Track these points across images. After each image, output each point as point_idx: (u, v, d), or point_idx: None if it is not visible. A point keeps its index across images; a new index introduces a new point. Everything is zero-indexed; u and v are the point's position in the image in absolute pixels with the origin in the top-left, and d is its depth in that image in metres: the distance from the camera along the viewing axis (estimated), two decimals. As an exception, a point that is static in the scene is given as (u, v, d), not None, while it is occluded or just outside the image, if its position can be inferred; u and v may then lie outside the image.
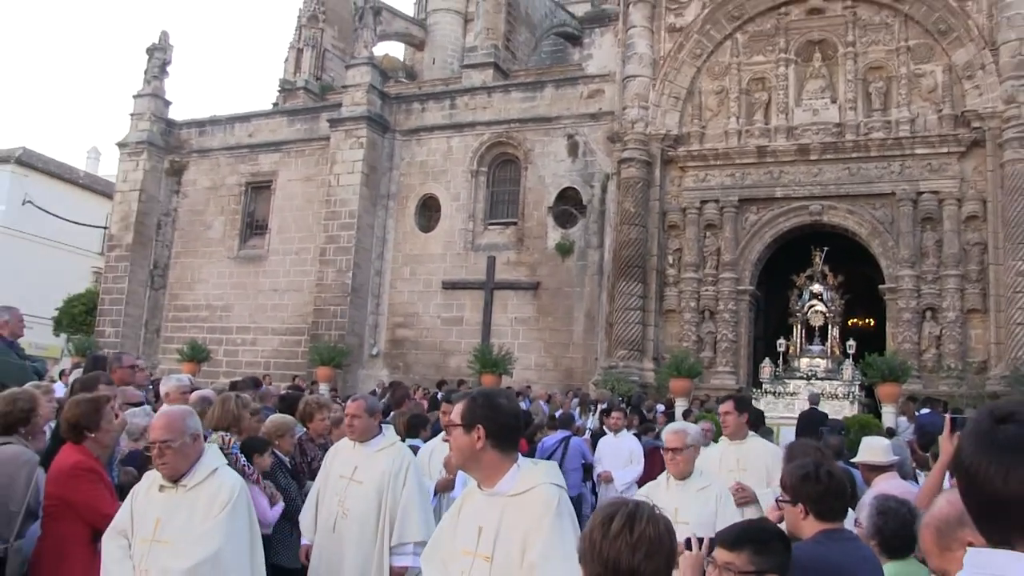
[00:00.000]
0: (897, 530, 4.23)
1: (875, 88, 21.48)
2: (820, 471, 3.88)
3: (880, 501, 4.41)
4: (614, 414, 12.28)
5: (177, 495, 4.60)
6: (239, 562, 4.56)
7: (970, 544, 2.02)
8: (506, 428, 3.59)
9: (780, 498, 4.09)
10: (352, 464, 6.15)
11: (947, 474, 5.10)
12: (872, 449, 6.33)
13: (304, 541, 6.34)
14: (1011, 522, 1.64)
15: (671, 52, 23.04)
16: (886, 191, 20.96)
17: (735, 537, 3.19)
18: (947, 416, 5.18)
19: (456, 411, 3.60)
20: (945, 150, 20.56)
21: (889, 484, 5.81)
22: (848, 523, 4.32)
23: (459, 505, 3.75)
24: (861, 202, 21.28)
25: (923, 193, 20.56)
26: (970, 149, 20.37)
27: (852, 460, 6.73)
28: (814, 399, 16.47)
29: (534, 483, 3.47)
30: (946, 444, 4.93)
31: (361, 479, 6.04)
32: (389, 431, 6.51)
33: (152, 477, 4.75)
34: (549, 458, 11.64)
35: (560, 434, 11.95)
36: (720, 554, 3.13)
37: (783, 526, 3.93)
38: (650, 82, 22.91)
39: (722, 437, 7.63)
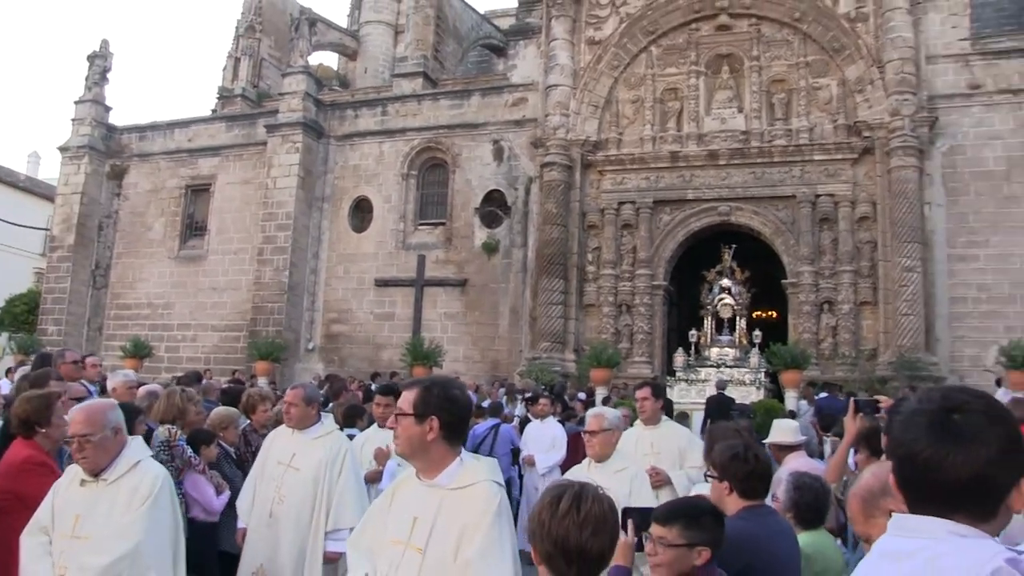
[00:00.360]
0: (811, 503, 4.47)
1: (777, 99, 22.32)
2: (748, 453, 4.04)
3: (796, 477, 4.59)
4: (541, 401, 12.53)
5: (98, 489, 4.41)
6: (160, 556, 4.38)
7: (891, 512, 2.19)
8: (460, 420, 3.46)
9: (708, 473, 4.27)
10: (290, 451, 6.08)
11: (851, 450, 5.59)
12: (782, 430, 6.66)
13: (240, 525, 6.25)
14: (953, 503, 1.75)
15: (590, 63, 23.71)
16: (788, 194, 21.77)
17: (667, 513, 3.36)
18: (851, 400, 5.71)
19: (408, 400, 3.38)
20: (840, 157, 21.49)
21: (798, 462, 6.03)
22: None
23: (392, 493, 3.58)
24: (765, 204, 22.07)
25: (820, 196, 21.42)
26: (861, 156, 21.30)
27: (762, 441, 6.63)
28: (721, 385, 17.11)
29: (476, 479, 3.31)
30: (850, 424, 5.40)
31: (298, 466, 5.99)
32: (328, 420, 6.48)
33: (73, 472, 4.54)
34: (480, 444, 11.90)
35: (490, 422, 12.20)
36: (655, 529, 3.29)
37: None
38: (571, 91, 23.54)
39: (637, 422, 7.63)
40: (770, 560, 3.73)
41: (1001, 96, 21.00)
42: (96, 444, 4.37)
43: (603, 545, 2.58)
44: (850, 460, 5.74)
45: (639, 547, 3.34)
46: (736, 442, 4.24)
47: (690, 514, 3.32)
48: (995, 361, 18.83)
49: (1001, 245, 20.28)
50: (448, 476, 3.33)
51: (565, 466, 11.64)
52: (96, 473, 4.42)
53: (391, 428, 3.56)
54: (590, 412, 6.36)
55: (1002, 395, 17.57)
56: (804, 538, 4.21)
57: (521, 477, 12.36)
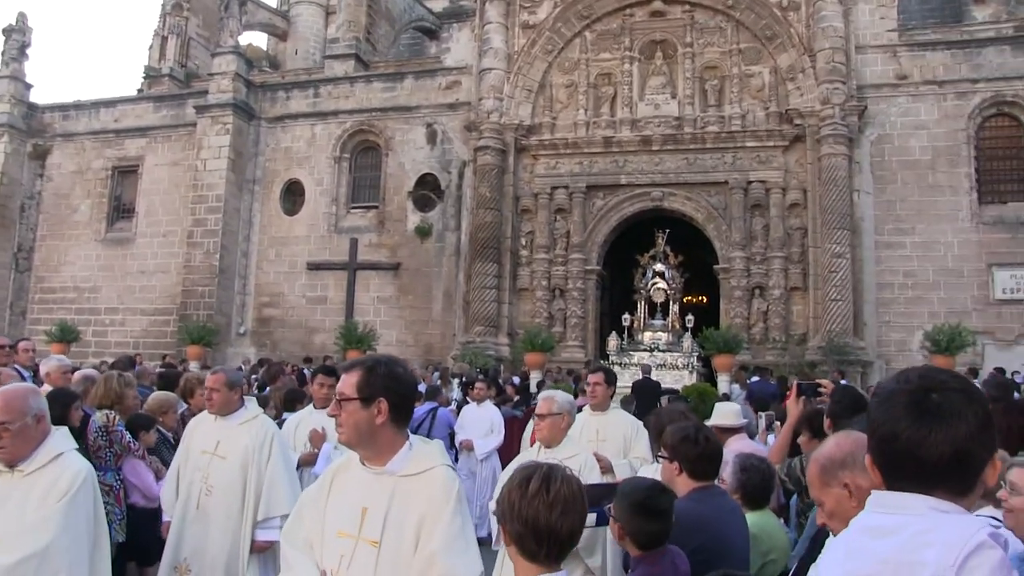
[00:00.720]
0: (758, 484, 4.50)
1: (710, 86, 22.00)
2: (699, 434, 4.02)
3: (743, 459, 4.61)
4: (477, 385, 12.16)
5: (12, 481, 3.90)
6: (74, 558, 3.84)
7: (846, 486, 2.38)
8: (407, 401, 3.15)
9: (660, 454, 4.24)
10: (214, 439, 5.65)
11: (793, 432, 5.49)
12: (725, 413, 6.59)
13: (165, 518, 5.82)
14: (934, 479, 1.77)
15: (525, 47, 23.07)
16: (720, 180, 21.48)
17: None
18: (795, 384, 5.71)
19: (350, 382, 3.02)
20: (771, 144, 21.26)
21: (740, 444, 6.02)
22: None
23: (329, 480, 3.20)
24: (698, 190, 21.73)
25: (752, 182, 21.18)
26: (792, 143, 21.10)
27: (706, 423, 6.59)
28: (646, 369, 16.66)
29: (430, 463, 3.04)
30: (793, 407, 5.40)
31: (224, 454, 5.58)
32: (251, 404, 5.97)
33: None
34: (418, 428, 11.70)
35: (428, 405, 11.89)
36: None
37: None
38: (505, 75, 22.90)
39: (585, 407, 7.21)
40: (721, 539, 3.72)
41: (927, 87, 21.01)
42: (15, 433, 3.88)
43: (573, 525, 2.52)
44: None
45: (603, 522, 3.59)
46: (687, 424, 4.23)
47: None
48: (920, 346, 18.92)
49: (926, 233, 20.30)
50: (399, 462, 3.04)
51: (501, 451, 11.31)
52: (12, 464, 3.91)
53: (333, 414, 3.07)
54: (541, 395, 5.92)
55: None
56: (750, 518, 4.20)
57: (456, 461, 11.91)
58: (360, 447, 3.06)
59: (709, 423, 6.30)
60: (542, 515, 2.47)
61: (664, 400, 13.02)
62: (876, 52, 21.37)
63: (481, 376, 16.01)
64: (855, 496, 2.34)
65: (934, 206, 20.39)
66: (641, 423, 7.40)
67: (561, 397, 5.76)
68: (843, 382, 16.37)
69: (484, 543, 4.36)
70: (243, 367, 18.17)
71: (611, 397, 7.36)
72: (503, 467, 9.57)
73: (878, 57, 21.37)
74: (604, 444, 6.80)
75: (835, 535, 3.40)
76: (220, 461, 5.56)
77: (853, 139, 20.53)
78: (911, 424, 1.77)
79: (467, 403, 12.78)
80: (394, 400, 3.03)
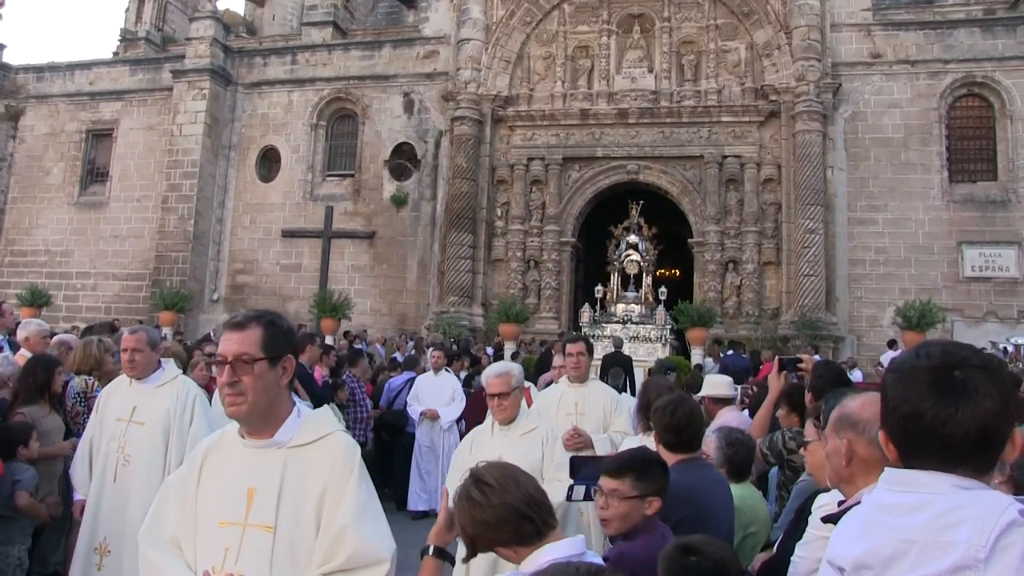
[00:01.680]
0: (745, 457, 4.44)
1: (687, 60, 21.28)
2: (670, 406, 3.91)
3: (727, 433, 4.54)
4: (434, 352, 11.37)
5: None
6: None
7: (847, 443, 2.33)
8: (297, 356, 2.71)
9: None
10: (130, 404, 4.97)
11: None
12: (716, 384, 6.46)
13: (77, 496, 5.12)
14: (958, 457, 1.66)
15: (503, 18, 22.10)
16: (695, 154, 20.78)
17: (618, 466, 3.26)
18: (776, 358, 5.53)
19: (252, 339, 2.52)
20: (747, 119, 20.61)
21: (730, 416, 5.92)
22: None
23: (198, 464, 2.65)
24: (673, 163, 21.02)
25: (727, 157, 20.52)
26: (768, 119, 20.48)
27: (697, 395, 6.52)
28: (617, 343, 15.97)
29: (326, 429, 2.61)
30: (774, 382, 5.22)
31: (142, 419, 4.92)
32: (169, 365, 5.28)
33: None
34: (396, 397, 11.12)
35: (405, 375, 11.41)
36: (605, 482, 3.22)
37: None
38: (483, 46, 21.93)
39: (563, 378, 6.76)
40: (706, 511, 3.64)
41: (900, 66, 20.51)
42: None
43: (532, 483, 2.45)
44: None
45: (588, 497, 3.57)
46: (669, 395, 4.19)
47: (640, 466, 3.25)
48: (891, 322, 18.43)
49: (898, 210, 19.83)
50: (287, 431, 2.57)
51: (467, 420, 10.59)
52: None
53: (231, 381, 2.52)
54: (491, 371, 5.09)
55: (893, 356, 17.00)
56: (733, 490, 4.11)
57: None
58: (259, 417, 2.53)
59: (700, 394, 6.37)
60: (509, 498, 2.37)
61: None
62: (851, 31, 20.79)
63: (453, 346, 15.26)
64: (847, 457, 2.33)
65: (906, 183, 19.85)
66: (621, 397, 6.99)
67: (517, 370, 5.12)
68: (816, 357, 15.79)
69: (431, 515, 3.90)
70: (212, 335, 17.16)
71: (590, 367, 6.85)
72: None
73: (852, 36, 20.78)
74: (583, 418, 6.25)
75: (810, 483, 3.71)
76: (137, 428, 4.91)
77: (827, 116, 19.93)
78: (937, 402, 1.66)
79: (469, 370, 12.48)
80: (295, 358, 2.64)
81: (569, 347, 6.71)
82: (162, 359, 5.25)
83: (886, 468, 1.80)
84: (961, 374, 1.68)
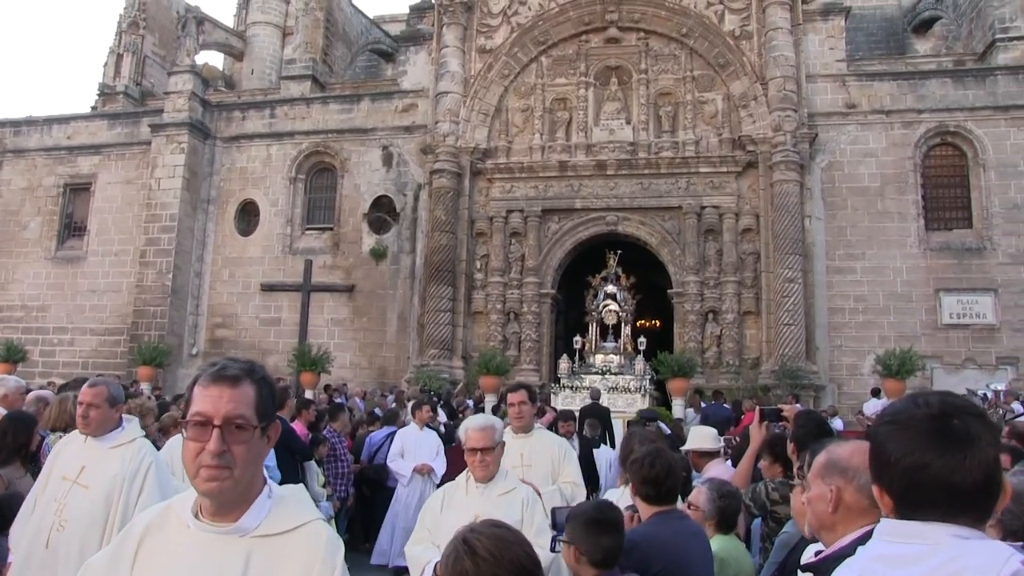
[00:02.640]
0: (736, 509, 4.47)
1: (664, 112, 21.55)
2: (647, 458, 3.87)
3: (719, 486, 4.53)
4: (426, 407, 11.17)
5: None
6: None
7: (832, 490, 2.34)
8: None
9: (623, 474, 4.36)
10: (79, 463, 4.38)
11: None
12: (702, 437, 6.32)
13: (10, 558, 4.47)
14: (960, 506, 1.68)
15: (481, 72, 22.42)
16: (674, 205, 20.94)
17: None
18: (757, 409, 5.56)
19: (246, 399, 2.08)
20: (725, 169, 20.81)
21: (718, 469, 5.85)
22: None
23: (132, 550, 2.13)
24: (652, 214, 21.18)
25: (706, 207, 20.68)
26: (745, 169, 20.69)
27: (683, 448, 6.52)
28: (595, 394, 15.74)
29: (303, 517, 2.14)
30: (756, 432, 5.24)
31: (87, 482, 4.32)
32: (131, 424, 4.73)
33: None
34: (376, 452, 10.94)
35: (386, 430, 11.31)
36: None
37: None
38: (461, 98, 22.20)
39: (507, 429, 6.14)
40: (685, 562, 3.64)
41: (874, 116, 20.85)
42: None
43: (525, 552, 2.26)
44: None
45: (552, 548, 3.47)
46: (646, 447, 4.12)
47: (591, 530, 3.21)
48: (872, 370, 18.50)
49: (876, 258, 20.02)
50: (255, 514, 2.08)
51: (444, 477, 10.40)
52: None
53: (219, 451, 2.04)
54: (474, 425, 4.71)
55: (877, 405, 17.11)
56: (719, 542, 4.18)
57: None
58: (234, 496, 2.06)
59: (686, 447, 6.32)
60: (501, 572, 2.18)
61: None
62: (825, 81, 21.11)
63: (436, 399, 15.23)
64: (833, 505, 2.32)
65: (883, 232, 20.08)
66: (569, 444, 6.78)
67: (498, 423, 4.82)
68: (798, 406, 15.85)
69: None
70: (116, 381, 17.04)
71: (535, 415, 6.73)
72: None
73: (827, 86, 21.10)
74: (529, 469, 5.97)
75: (793, 534, 3.70)
76: (81, 491, 4.29)
77: (804, 166, 20.16)
78: (945, 451, 1.68)
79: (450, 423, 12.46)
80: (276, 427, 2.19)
81: (510, 396, 6.40)
82: (125, 417, 4.80)
83: (882, 519, 1.80)
84: (960, 422, 1.70)
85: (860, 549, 1.87)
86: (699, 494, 4.48)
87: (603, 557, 3.18)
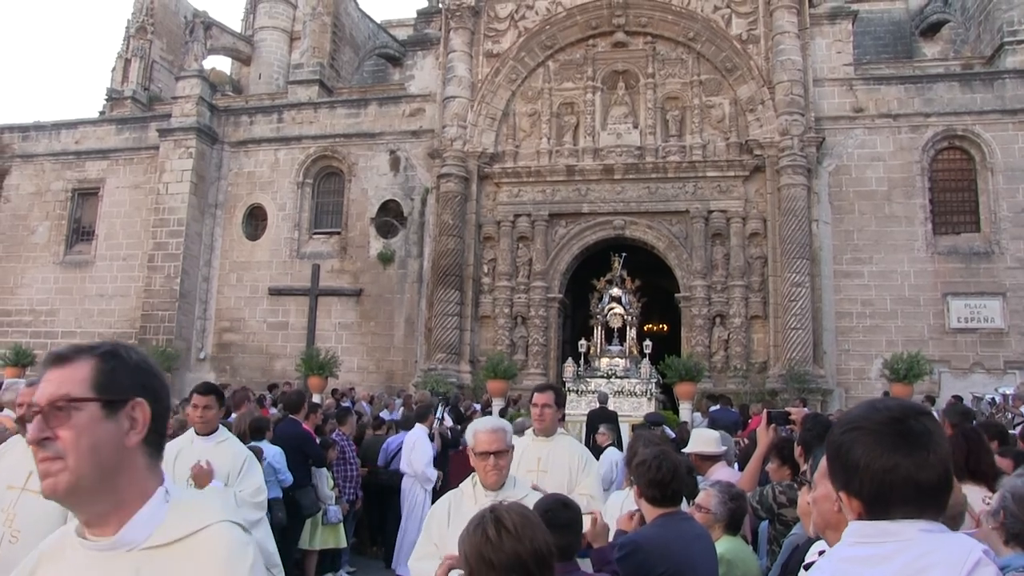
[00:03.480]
0: (744, 511, 4.56)
1: (672, 116, 21.67)
2: (654, 461, 3.90)
3: (728, 488, 4.59)
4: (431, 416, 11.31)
5: None
6: None
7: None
8: (166, 411, 1.87)
9: (628, 476, 4.36)
10: (26, 469, 3.79)
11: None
12: (704, 440, 6.38)
13: None
14: (925, 502, 1.78)
15: (488, 76, 22.60)
16: (681, 209, 21.08)
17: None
18: (765, 412, 5.56)
19: (75, 375, 1.74)
20: (732, 174, 20.92)
21: (721, 472, 5.92)
22: None
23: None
24: (659, 218, 21.32)
25: (713, 212, 20.82)
26: (753, 174, 20.79)
27: (684, 450, 6.49)
28: (603, 398, 15.87)
29: (202, 521, 1.77)
30: (763, 436, 5.27)
31: (37, 487, 3.70)
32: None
33: None
34: (392, 459, 10.94)
35: (403, 435, 11.08)
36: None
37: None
38: (468, 103, 22.39)
39: (528, 431, 6.20)
40: (689, 564, 3.66)
41: (882, 120, 20.93)
42: None
43: (546, 540, 2.40)
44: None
45: None
46: (652, 450, 4.14)
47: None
48: (879, 374, 18.60)
49: (883, 262, 20.10)
50: (142, 524, 1.74)
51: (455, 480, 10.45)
52: None
53: (38, 438, 1.69)
54: (484, 427, 4.42)
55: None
56: (725, 543, 4.23)
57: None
58: (89, 497, 1.72)
59: (688, 449, 6.34)
60: (521, 550, 2.33)
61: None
62: (833, 85, 21.23)
63: (442, 401, 15.37)
64: (839, 504, 2.26)
65: (890, 236, 20.18)
66: (591, 455, 6.40)
67: (510, 427, 4.57)
68: (806, 410, 15.97)
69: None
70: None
71: (560, 421, 6.41)
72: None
73: (835, 90, 21.22)
74: (545, 476, 5.69)
75: (800, 536, 3.71)
76: (31, 498, 3.78)
77: (811, 170, 20.27)
78: (910, 451, 1.78)
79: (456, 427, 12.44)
80: (154, 405, 1.78)
81: (536, 396, 6.14)
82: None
83: (851, 522, 1.86)
84: (917, 423, 1.82)
85: (829, 551, 1.96)
86: (708, 496, 4.50)
87: None
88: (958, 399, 16.38)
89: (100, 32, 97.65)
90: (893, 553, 1.75)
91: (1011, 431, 9.34)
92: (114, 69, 28.51)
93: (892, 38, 28.29)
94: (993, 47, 21.73)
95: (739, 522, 4.52)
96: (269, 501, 7.46)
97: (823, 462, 2.42)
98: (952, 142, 20.73)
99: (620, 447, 12.66)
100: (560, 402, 6.28)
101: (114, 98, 28.09)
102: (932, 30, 26.87)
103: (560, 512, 3.29)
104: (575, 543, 3.31)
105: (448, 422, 14.14)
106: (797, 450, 4.69)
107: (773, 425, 5.24)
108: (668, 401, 19.02)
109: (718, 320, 20.47)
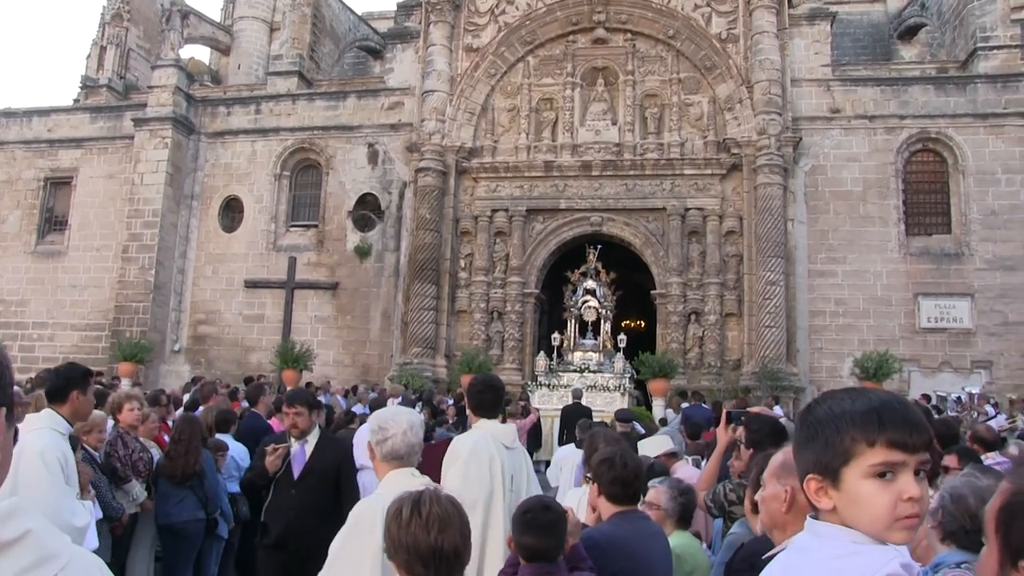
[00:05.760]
0: (694, 506, 4.70)
1: (650, 113, 22.01)
2: (618, 459, 3.93)
3: (676, 483, 4.76)
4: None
5: None
6: None
7: (787, 490, 2.46)
8: (8, 396, 1.56)
9: (587, 474, 4.35)
10: None
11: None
12: (657, 445, 6.72)
13: None
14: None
15: (468, 70, 22.86)
16: (658, 206, 21.42)
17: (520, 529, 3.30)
18: (724, 412, 5.51)
19: None
20: (709, 172, 21.27)
21: (684, 471, 6.13)
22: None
23: None
24: (636, 215, 21.66)
25: (690, 209, 21.15)
26: (730, 172, 21.16)
27: (641, 452, 6.68)
28: (577, 394, 16.20)
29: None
30: (722, 434, 5.28)
31: None
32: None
33: None
34: None
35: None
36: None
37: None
38: (447, 97, 22.65)
39: None
40: (645, 562, 3.74)
41: (858, 121, 21.35)
42: None
43: (454, 539, 2.49)
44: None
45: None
46: (612, 448, 4.21)
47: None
48: (850, 372, 19.06)
49: (857, 262, 20.55)
50: None
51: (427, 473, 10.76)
52: None
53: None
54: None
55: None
56: (676, 538, 4.33)
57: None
58: None
59: (641, 455, 6.34)
60: (421, 538, 2.45)
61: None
62: (810, 86, 21.64)
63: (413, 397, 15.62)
64: (787, 505, 2.46)
65: (864, 236, 20.65)
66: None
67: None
68: (777, 407, 16.47)
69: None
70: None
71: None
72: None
73: (812, 91, 21.64)
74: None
75: (740, 535, 3.83)
76: None
77: (788, 169, 20.67)
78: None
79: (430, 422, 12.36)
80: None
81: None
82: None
83: (807, 517, 1.86)
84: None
85: (792, 540, 1.95)
86: (659, 493, 4.62)
87: (528, 555, 3.30)
88: (926, 398, 17.01)
89: (75, 18, 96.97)
90: (823, 547, 1.75)
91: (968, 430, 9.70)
92: (89, 56, 28.40)
93: (871, 40, 28.85)
94: (967, 51, 22.21)
95: (689, 517, 4.65)
96: (233, 495, 7.74)
97: (774, 461, 2.62)
98: (926, 144, 21.18)
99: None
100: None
101: (89, 86, 28.03)
102: (909, 33, 27.41)
103: (540, 514, 3.32)
104: (556, 546, 3.30)
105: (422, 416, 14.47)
106: (745, 451, 4.70)
107: (732, 424, 5.22)
108: (643, 397, 19.41)
109: (693, 317, 20.83)
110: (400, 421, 3.59)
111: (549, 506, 3.42)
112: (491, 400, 4.91)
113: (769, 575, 1.90)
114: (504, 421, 7.18)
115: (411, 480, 3.40)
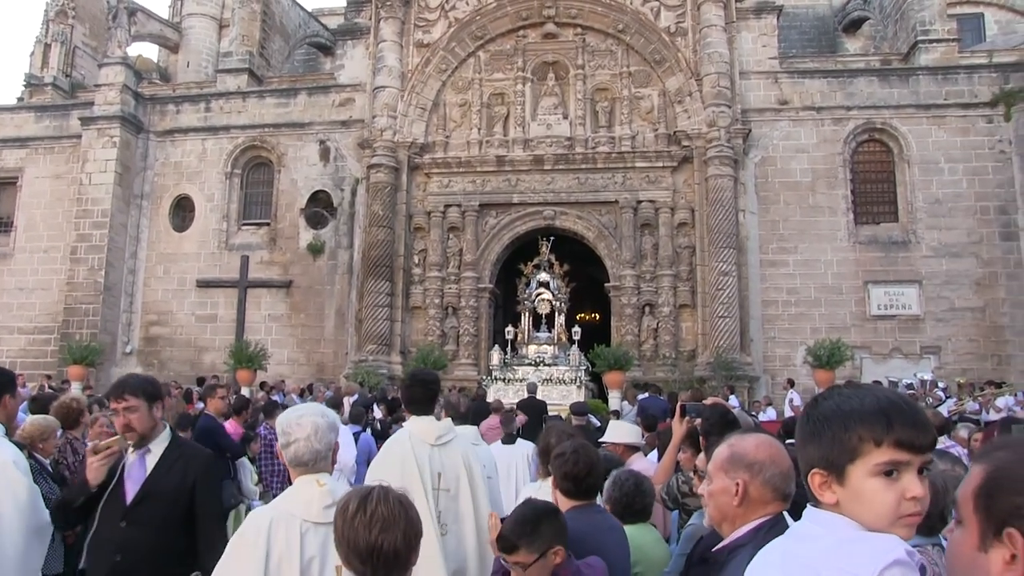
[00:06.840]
0: (631, 496, 4.39)
1: (601, 107, 22.01)
2: (571, 454, 3.88)
3: (617, 475, 4.55)
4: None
5: None
6: None
7: (738, 484, 2.42)
8: None
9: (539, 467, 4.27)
10: None
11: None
12: (627, 432, 6.57)
13: None
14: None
15: (419, 66, 22.66)
16: (611, 199, 21.42)
17: (507, 540, 3.19)
18: (679, 404, 5.44)
19: None
20: (660, 164, 21.31)
21: (640, 464, 5.94)
22: None
23: None
24: (589, 209, 21.64)
25: (642, 202, 21.18)
26: (681, 164, 21.21)
27: (602, 440, 6.66)
28: (531, 388, 15.79)
29: None
30: (676, 427, 5.22)
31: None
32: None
33: None
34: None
35: (352, 428, 10.94)
36: (507, 558, 3.19)
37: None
38: (398, 93, 22.42)
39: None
40: (601, 556, 3.61)
41: (806, 112, 21.49)
42: None
43: (394, 540, 2.40)
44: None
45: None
46: (571, 443, 4.08)
47: (527, 529, 3.16)
48: (803, 360, 19.15)
49: (808, 252, 20.68)
50: None
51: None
52: None
53: None
54: None
55: (792, 395, 17.85)
56: (630, 529, 4.19)
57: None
58: None
59: (604, 439, 6.47)
60: (361, 535, 2.40)
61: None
62: (759, 78, 21.74)
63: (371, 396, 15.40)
64: (739, 498, 2.40)
65: (814, 226, 20.78)
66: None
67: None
68: (732, 397, 16.47)
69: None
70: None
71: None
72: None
73: (760, 83, 21.74)
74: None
75: (698, 527, 3.77)
76: None
77: (738, 161, 20.75)
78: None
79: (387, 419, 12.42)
80: None
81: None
82: None
83: (808, 506, 1.84)
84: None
85: (790, 529, 1.94)
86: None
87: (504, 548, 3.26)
88: (878, 384, 17.07)
89: (17, 14, 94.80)
90: (825, 535, 1.75)
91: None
92: (33, 54, 27.68)
93: (816, 33, 29.03)
94: (908, 44, 22.45)
95: (633, 508, 4.46)
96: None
97: (718, 454, 2.57)
98: (872, 135, 21.42)
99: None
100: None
101: (33, 84, 27.29)
102: (854, 26, 27.66)
103: (535, 507, 3.31)
104: (564, 528, 3.26)
105: (378, 414, 14.26)
106: (701, 441, 4.58)
107: (687, 417, 5.18)
108: (598, 390, 19.30)
109: (647, 309, 20.83)
110: (304, 425, 3.29)
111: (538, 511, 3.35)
112: (420, 395, 4.70)
113: (765, 563, 1.89)
114: (469, 421, 6.90)
115: (315, 488, 3.16)
